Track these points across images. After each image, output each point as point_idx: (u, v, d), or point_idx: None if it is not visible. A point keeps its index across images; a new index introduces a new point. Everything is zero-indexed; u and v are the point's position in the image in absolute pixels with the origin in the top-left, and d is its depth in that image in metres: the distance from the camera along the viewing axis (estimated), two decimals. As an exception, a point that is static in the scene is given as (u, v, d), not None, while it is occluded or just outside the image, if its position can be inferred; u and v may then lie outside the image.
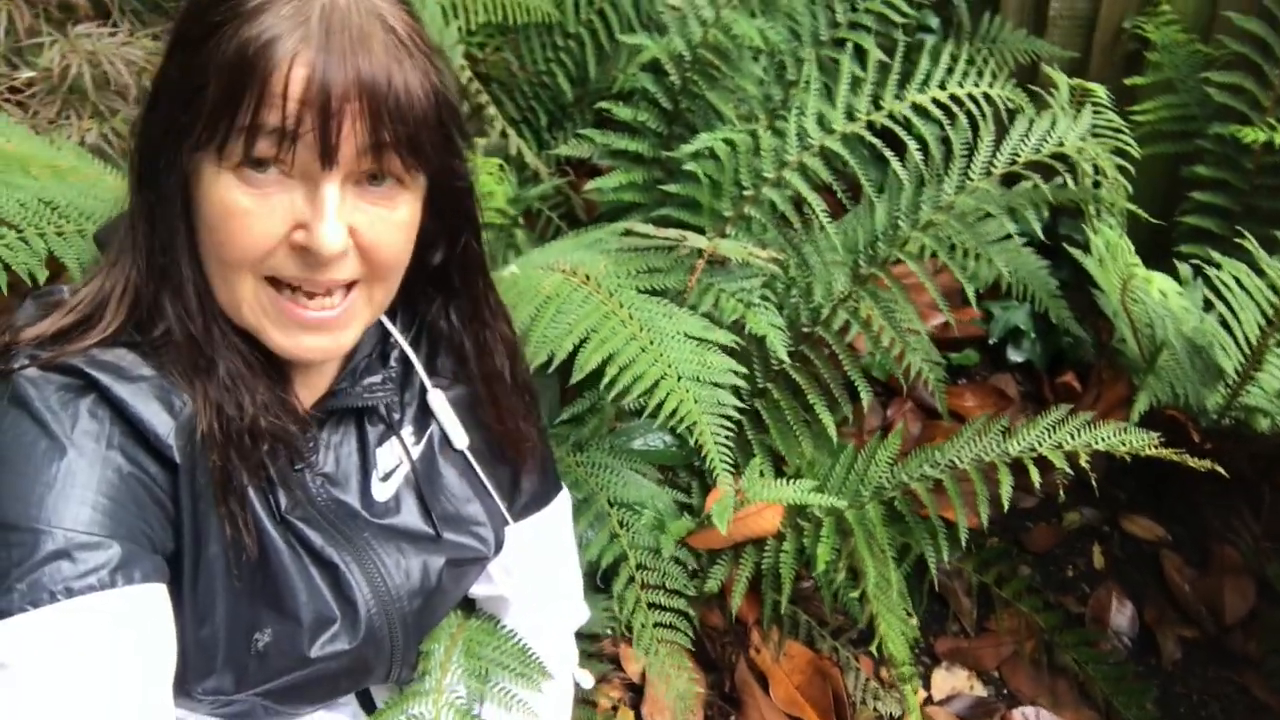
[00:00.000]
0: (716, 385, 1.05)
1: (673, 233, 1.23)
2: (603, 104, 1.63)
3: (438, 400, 0.91)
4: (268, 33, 0.66)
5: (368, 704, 0.97)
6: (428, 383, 0.91)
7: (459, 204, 0.83)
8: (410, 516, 0.89)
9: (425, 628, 0.92)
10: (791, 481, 1.28)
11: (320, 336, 0.74)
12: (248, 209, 0.69)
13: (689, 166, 1.37)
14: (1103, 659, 1.71)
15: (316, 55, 0.66)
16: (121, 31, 1.32)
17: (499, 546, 0.95)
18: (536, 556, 1.04)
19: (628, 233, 1.29)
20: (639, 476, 1.34)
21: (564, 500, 1.08)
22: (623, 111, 1.61)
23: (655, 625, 1.26)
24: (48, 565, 0.65)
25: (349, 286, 0.75)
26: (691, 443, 1.41)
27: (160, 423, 0.72)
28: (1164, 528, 1.88)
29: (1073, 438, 1.26)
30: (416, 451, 0.90)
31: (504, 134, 1.85)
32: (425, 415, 0.91)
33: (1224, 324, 1.53)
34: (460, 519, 0.92)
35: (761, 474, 1.34)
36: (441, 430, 0.92)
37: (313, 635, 0.81)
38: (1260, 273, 1.45)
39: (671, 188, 1.52)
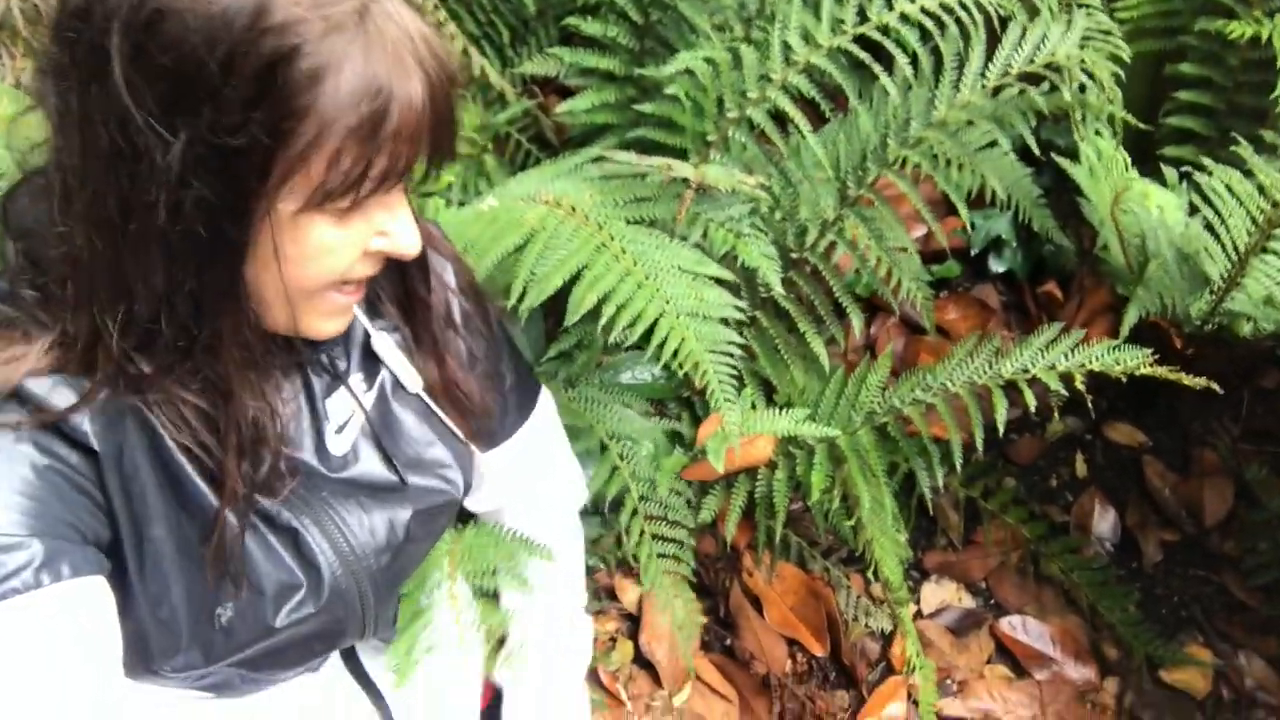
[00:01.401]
0: (714, 320, 1.01)
1: (658, 161, 1.17)
2: (569, 20, 1.54)
3: (383, 343, 0.87)
4: (375, 77, 0.62)
5: (354, 663, 0.95)
6: (369, 327, 0.86)
7: None
8: (371, 466, 0.85)
9: (398, 581, 0.90)
10: (784, 411, 1.26)
11: (352, 313, 0.79)
12: (338, 240, 0.69)
13: (670, 90, 1.30)
14: (1086, 565, 1.75)
15: (426, 88, 0.64)
16: (47, -42, 1.22)
17: (469, 487, 0.93)
18: (523, 469, 1.04)
19: (601, 159, 1.23)
20: (629, 411, 1.31)
21: (543, 406, 1.06)
22: (591, 26, 1.53)
23: (659, 556, 1.25)
24: None
25: None
26: (682, 376, 1.39)
27: (59, 409, 0.67)
28: (1145, 434, 1.90)
29: (1066, 358, 1.24)
30: (369, 400, 0.86)
31: (465, 53, 1.76)
32: (373, 361, 0.87)
33: (1211, 230, 1.51)
34: (424, 463, 0.89)
35: (754, 405, 1.31)
36: (393, 374, 0.88)
37: (277, 604, 0.78)
38: (1249, 174, 1.43)
39: (647, 107, 1.45)
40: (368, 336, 0.86)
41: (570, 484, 1.17)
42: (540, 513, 1.12)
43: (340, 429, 0.84)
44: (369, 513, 0.83)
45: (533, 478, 1.08)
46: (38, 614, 0.63)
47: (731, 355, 1.03)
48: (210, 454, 0.72)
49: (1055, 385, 1.22)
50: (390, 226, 0.71)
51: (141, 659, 0.73)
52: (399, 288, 0.88)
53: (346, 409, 0.84)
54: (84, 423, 0.67)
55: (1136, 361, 1.19)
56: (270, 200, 0.64)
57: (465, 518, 1.09)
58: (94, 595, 0.67)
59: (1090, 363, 1.21)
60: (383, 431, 0.86)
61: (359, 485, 0.84)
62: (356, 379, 0.85)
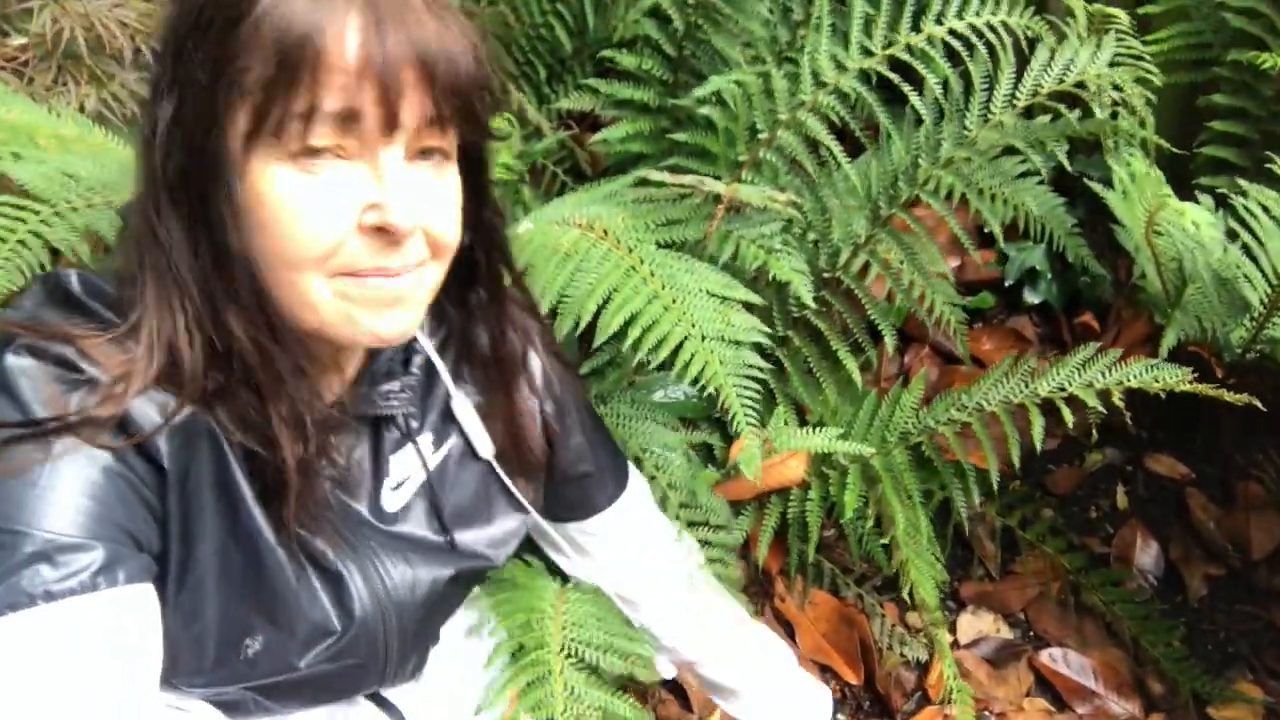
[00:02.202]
0: (740, 344, 1.03)
1: (689, 179, 1.20)
2: (606, 52, 1.59)
3: (462, 406, 0.87)
4: (314, 7, 0.62)
5: (375, 697, 0.95)
6: (452, 388, 0.87)
7: (480, 174, 0.79)
8: (420, 527, 0.85)
9: (425, 636, 0.90)
10: (816, 430, 1.27)
11: (399, 311, 0.71)
12: (308, 201, 0.65)
13: (703, 111, 1.33)
14: (1129, 598, 1.71)
15: (367, 26, 0.62)
16: (112, -7, 1.28)
17: (510, 555, 0.94)
18: (628, 540, 1.06)
19: (643, 181, 1.26)
20: (661, 428, 1.32)
21: (637, 477, 1.07)
22: (627, 59, 1.57)
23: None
24: (27, 568, 0.62)
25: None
26: (716, 393, 1.40)
27: (150, 425, 0.68)
28: (1188, 466, 1.87)
29: (1103, 376, 1.24)
30: (434, 461, 0.86)
31: (504, 89, 1.81)
32: (446, 424, 0.87)
33: (1249, 254, 1.50)
34: (475, 530, 0.89)
35: (785, 423, 1.32)
36: (464, 440, 0.88)
37: (305, 647, 0.78)
38: (1287, 197, 1.42)
39: (680, 136, 1.48)
40: (448, 397, 0.87)
41: (679, 555, 1.16)
42: (661, 579, 1.12)
43: (397, 486, 0.84)
44: (414, 568, 0.83)
45: (640, 548, 1.09)
46: (89, 617, 0.63)
47: (756, 380, 1.04)
48: (264, 467, 0.72)
49: (1093, 403, 1.21)
50: (380, 197, 0.66)
51: (165, 671, 0.72)
52: (484, 348, 0.87)
53: (408, 468, 0.85)
54: (160, 440, 0.68)
55: (1176, 379, 1.18)
56: (226, 148, 0.64)
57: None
58: (144, 603, 0.67)
59: (1128, 380, 1.20)
60: (441, 494, 0.86)
61: (408, 541, 0.84)
62: (425, 439, 0.86)
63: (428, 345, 0.86)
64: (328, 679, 0.81)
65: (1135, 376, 1.19)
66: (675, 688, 1.51)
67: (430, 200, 0.69)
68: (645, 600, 1.10)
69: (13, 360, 0.66)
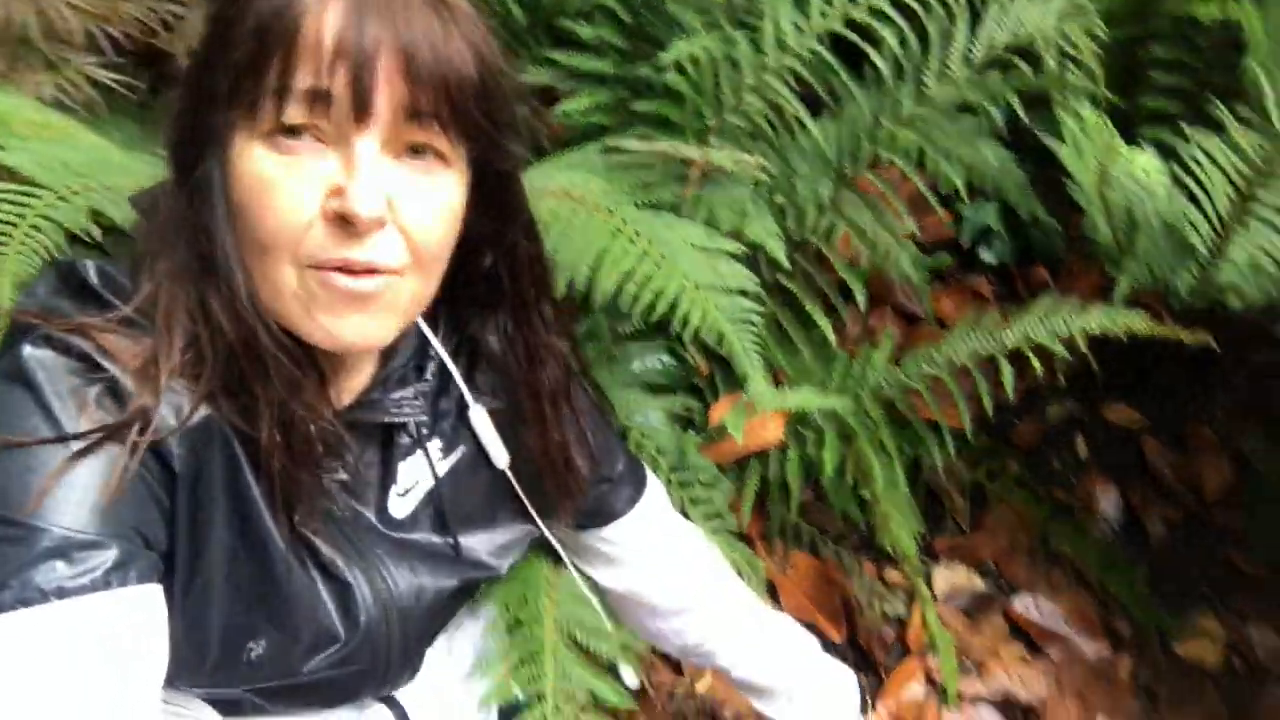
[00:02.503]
0: (733, 291, 1.04)
1: (661, 145, 1.21)
2: (564, 23, 1.59)
3: (479, 417, 0.86)
4: None
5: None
6: (469, 398, 0.85)
7: (505, 195, 0.77)
8: (426, 534, 0.84)
9: (424, 644, 0.90)
10: (795, 389, 1.29)
11: (365, 317, 0.68)
12: (278, 180, 0.64)
13: (667, 79, 1.34)
14: (1093, 544, 1.77)
15: (349, 10, 0.63)
16: (59, -24, 1.25)
17: (514, 567, 0.93)
18: (652, 542, 1.04)
19: (612, 149, 1.26)
20: (643, 395, 1.33)
21: (654, 481, 1.06)
22: (583, 30, 1.58)
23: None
24: (42, 564, 0.61)
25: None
26: (692, 360, 1.42)
27: (164, 427, 0.67)
28: (1142, 414, 1.93)
29: (1065, 324, 1.27)
30: (443, 468, 0.85)
31: (525, 101, 1.80)
32: (457, 432, 0.86)
33: (1193, 200, 1.55)
34: (478, 534, 0.88)
35: (766, 387, 1.33)
36: (476, 449, 0.87)
37: (308, 653, 0.77)
38: (1230, 144, 1.47)
39: (642, 106, 1.49)
40: (461, 405, 0.86)
41: (707, 555, 1.14)
42: (692, 584, 1.10)
43: (405, 493, 0.83)
44: (419, 577, 0.82)
45: (666, 552, 1.07)
46: (101, 615, 0.62)
47: (753, 324, 1.05)
48: (263, 455, 0.70)
49: (1059, 351, 1.25)
50: (345, 183, 0.64)
51: (168, 671, 0.71)
52: (504, 358, 0.86)
53: (416, 474, 0.83)
54: (173, 441, 0.67)
55: (1137, 322, 1.22)
56: (214, 128, 0.66)
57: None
58: (153, 602, 0.66)
59: (1091, 326, 1.24)
60: (449, 503, 0.85)
61: (413, 548, 0.83)
62: (435, 445, 0.84)
63: (442, 351, 0.84)
64: (328, 684, 0.81)
65: (1098, 323, 1.23)
66: (667, 654, 1.53)
67: (413, 200, 0.67)
68: (679, 606, 1.08)
69: (30, 351, 0.65)
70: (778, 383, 1.47)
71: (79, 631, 0.61)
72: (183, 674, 0.74)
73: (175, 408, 0.68)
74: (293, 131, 0.64)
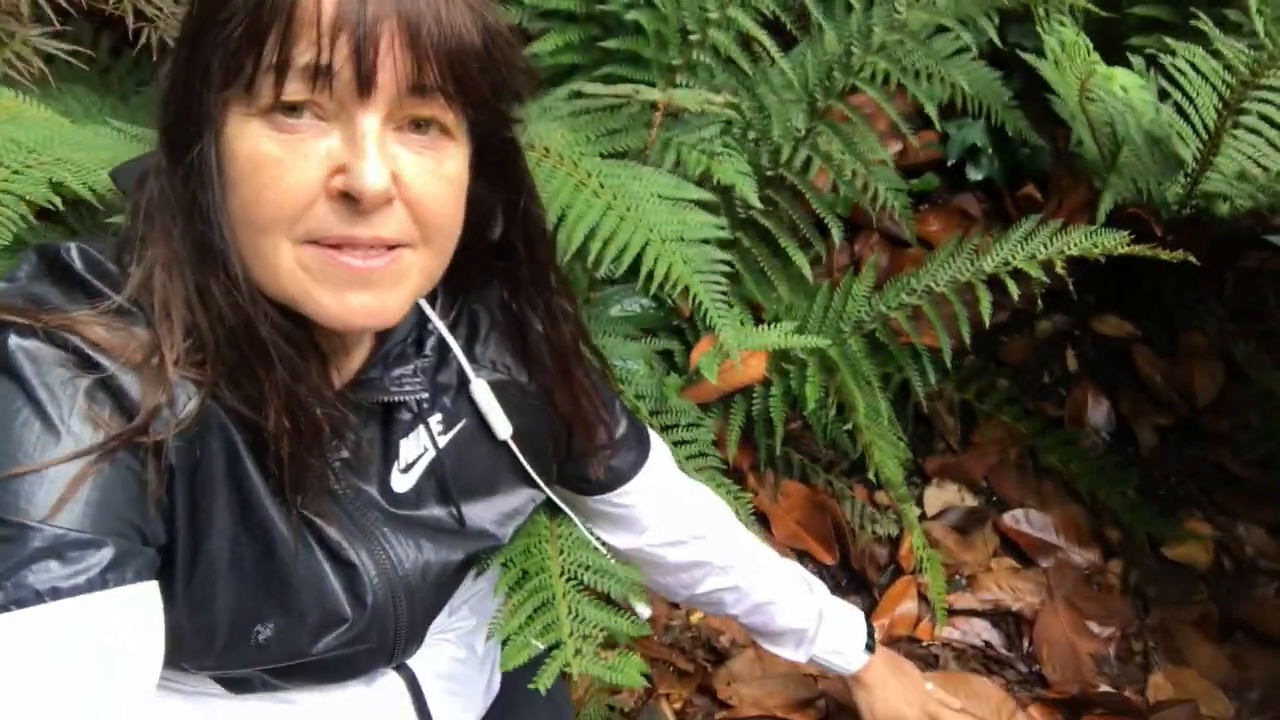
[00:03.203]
0: (699, 242, 1.04)
1: (624, 88, 1.18)
2: (529, -40, 1.54)
3: (481, 391, 0.85)
4: None
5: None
6: (470, 372, 0.85)
7: (511, 163, 0.76)
8: (431, 509, 0.84)
9: (430, 618, 0.90)
10: (773, 326, 1.29)
11: (368, 295, 0.66)
12: (278, 158, 0.62)
13: (629, 17, 1.31)
14: (1084, 455, 1.79)
15: None
16: (0, -55, 1.22)
17: (516, 535, 0.93)
18: (662, 503, 1.05)
19: (576, 94, 1.24)
20: (622, 341, 1.34)
21: (658, 441, 1.07)
22: (551, -34, 1.53)
23: (688, 458, 1.29)
24: (35, 564, 0.60)
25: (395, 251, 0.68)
26: (671, 304, 1.42)
27: (166, 421, 0.66)
28: (1132, 323, 1.93)
29: (1045, 247, 1.27)
30: (443, 441, 0.85)
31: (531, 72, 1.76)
32: (457, 406, 0.85)
33: (1180, 112, 1.52)
34: (481, 504, 0.89)
35: (742, 323, 1.34)
36: (477, 421, 0.87)
37: (316, 634, 0.77)
38: (1215, 53, 1.44)
39: (611, 43, 1.45)
40: (461, 379, 0.85)
41: (708, 500, 1.16)
42: (711, 532, 1.11)
43: (407, 468, 0.83)
44: (424, 553, 0.82)
45: (671, 510, 1.08)
46: (97, 615, 0.62)
47: (719, 274, 1.05)
48: (269, 450, 0.70)
49: (1037, 274, 1.25)
50: (350, 159, 0.63)
51: (172, 654, 0.72)
52: (518, 325, 0.86)
53: (417, 449, 0.83)
54: (163, 426, 0.66)
55: (1114, 243, 1.21)
56: (208, 104, 0.64)
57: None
58: (148, 600, 0.66)
59: (1068, 249, 1.24)
60: (451, 475, 0.85)
61: (418, 525, 0.83)
62: (435, 419, 0.84)
63: (440, 326, 0.84)
64: (337, 662, 0.81)
65: (1075, 244, 1.22)
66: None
67: (418, 175, 0.65)
68: (688, 561, 1.10)
69: (17, 342, 0.63)
70: (758, 320, 1.47)
71: (74, 632, 0.61)
72: (190, 658, 0.75)
73: (169, 399, 0.67)
74: (292, 109, 0.62)
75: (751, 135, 1.40)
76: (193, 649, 0.74)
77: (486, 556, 0.91)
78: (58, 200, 0.99)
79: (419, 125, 0.65)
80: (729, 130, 1.31)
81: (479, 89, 0.66)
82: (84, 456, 0.62)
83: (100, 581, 0.61)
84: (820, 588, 1.22)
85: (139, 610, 0.65)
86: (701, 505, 1.12)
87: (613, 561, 1.01)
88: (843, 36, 1.33)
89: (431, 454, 0.83)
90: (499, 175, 0.75)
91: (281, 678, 0.81)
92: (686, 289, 1.08)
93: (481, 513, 0.88)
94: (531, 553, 0.99)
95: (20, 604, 0.59)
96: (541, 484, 0.92)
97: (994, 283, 1.35)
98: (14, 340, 0.63)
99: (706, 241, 1.10)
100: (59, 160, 1.02)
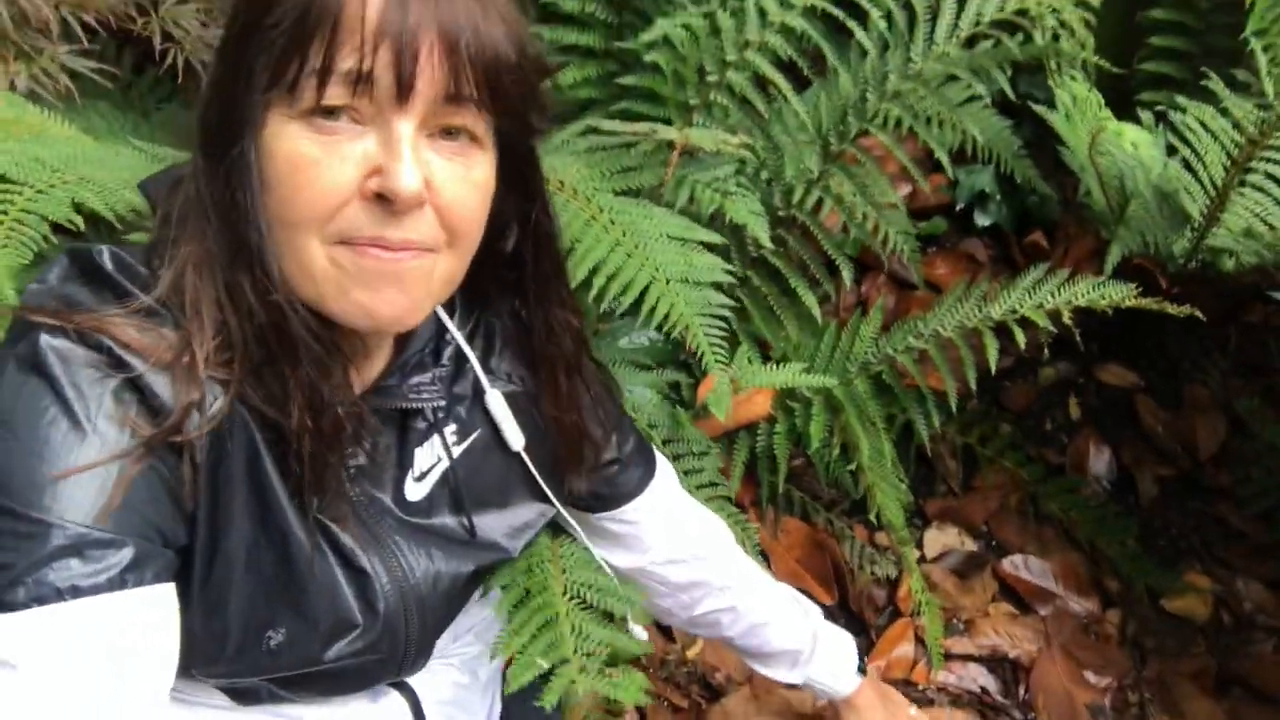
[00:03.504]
0: (703, 285, 1.05)
1: (641, 126, 1.20)
2: (548, -2, 1.57)
3: (496, 402, 0.86)
4: None
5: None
6: (485, 383, 0.86)
7: (530, 173, 0.77)
8: (444, 519, 0.85)
9: (440, 629, 0.91)
10: (780, 365, 1.30)
11: (395, 292, 0.68)
12: (316, 159, 0.64)
13: (649, 57, 1.33)
14: (1084, 504, 1.79)
15: None
16: (33, -37, 1.24)
17: (526, 549, 0.94)
18: (668, 522, 1.06)
19: (592, 130, 1.26)
20: (633, 370, 1.35)
21: (663, 461, 1.07)
22: (569, 3, 1.56)
23: (698, 487, 1.29)
24: (56, 561, 0.61)
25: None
26: (678, 336, 1.43)
27: (194, 421, 0.67)
28: (1136, 374, 1.94)
29: (1053, 296, 1.28)
30: (457, 451, 0.85)
31: (550, 84, 1.79)
32: (472, 416, 0.86)
33: (1188, 168, 1.54)
34: (492, 515, 0.89)
35: (750, 361, 1.35)
36: (491, 432, 0.88)
37: (328, 639, 0.78)
38: (1224, 112, 1.46)
39: (629, 80, 1.48)
40: (477, 389, 0.86)
41: (710, 523, 1.16)
42: (711, 553, 1.12)
43: (421, 477, 0.83)
44: (435, 562, 0.83)
45: (675, 531, 1.08)
46: (115, 615, 0.63)
47: (721, 318, 1.06)
48: (289, 454, 0.71)
49: (1044, 324, 1.26)
50: (386, 161, 0.64)
51: (183, 660, 0.72)
52: (523, 333, 0.87)
53: (431, 458, 0.84)
54: (190, 426, 0.67)
55: (1121, 295, 1.22)
56: (250, 104, 0.65)
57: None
58: (166, 602, 0.67)
59: (1076, 299, 1.25)
60: (464, 485, 0.86)
61: (431, 534, 0.84)
62: (450, 429, 0.85)
63: (458, 336, 0.85)
64: (346, 672, 0.81)
65: (1082, 295, 1.23)
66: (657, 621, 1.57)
67: (449, 180, 0.67)
68: (689, 581, 1.10)
69: (48, 340, 0.65)
70: (765, 357, 1.48)
71: (92, 631, 0.62)
72: (200, 664, 0.75)
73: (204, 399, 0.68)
74: (331, 112, 0.64)
75: (765, 175, 1.42)
76: (204, 654, 0.74)
77: (494, 568, 0.91)
78: (79, 220, 1.01)
79: (450, 132, 0.67)
80: (743, 170, 1.32)
81: (511, 100, 0.68)
82: (111, 456, 0.63)
83: (120, 581, 0.62)
84: (814, 611, 1.22)
85: (155, 611, 0.66)
86: (704, 527, 1.13)
87: (615, 581, 1.01)
88: (857, 80, 1.35)
89: (446, 463, 0.84)
90: (518, 185, 0.76)
91: (289, 688, 0.82)
92: (687, 329, 1.09)
93: (493, 524, 0.88)
94: (534, 572, 0.99)
95: (41, 601, 0.60)
96: (552, 497, 0.92)
97: (1000, 329, 1.36)
98: (45, 339, 0.64)
99: (711, 285, 1.11)
100: (82, 179, 1.04)
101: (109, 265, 0.69)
